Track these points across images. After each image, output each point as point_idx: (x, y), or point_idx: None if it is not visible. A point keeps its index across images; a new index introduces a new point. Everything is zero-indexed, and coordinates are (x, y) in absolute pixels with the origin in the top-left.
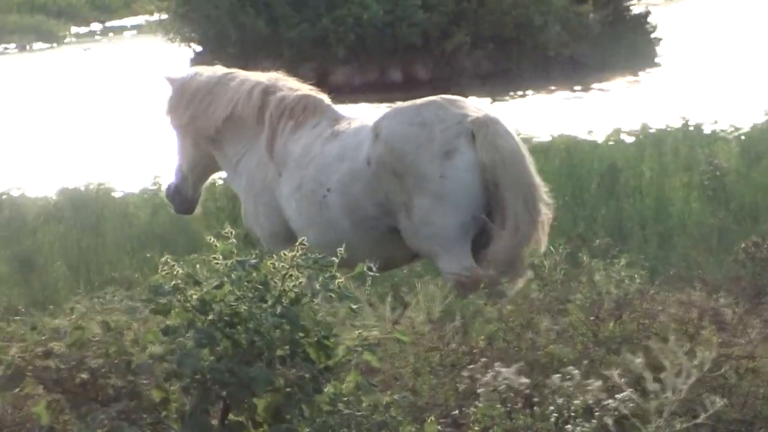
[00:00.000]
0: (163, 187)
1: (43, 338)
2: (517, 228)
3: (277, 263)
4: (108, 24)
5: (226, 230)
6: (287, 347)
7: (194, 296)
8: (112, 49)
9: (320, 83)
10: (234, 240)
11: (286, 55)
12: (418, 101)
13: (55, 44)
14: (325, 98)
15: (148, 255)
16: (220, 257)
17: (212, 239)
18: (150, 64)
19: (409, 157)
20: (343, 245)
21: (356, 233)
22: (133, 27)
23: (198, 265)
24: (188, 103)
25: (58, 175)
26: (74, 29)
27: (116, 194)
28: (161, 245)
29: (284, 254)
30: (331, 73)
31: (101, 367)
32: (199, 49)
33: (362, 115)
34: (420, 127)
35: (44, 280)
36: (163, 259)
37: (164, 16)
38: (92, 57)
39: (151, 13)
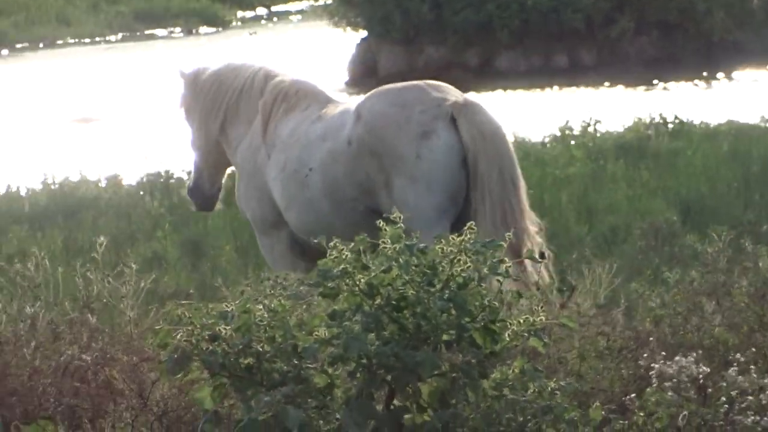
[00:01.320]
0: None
1: (210, 322)
2: (492, 200)
3: (445, 247)
4: (274, 9)
5: (395, 214)
6: (454, 332)
7: (362, 280)
8: (277, 34)
9: (484, 68)
10: (402, 224)
11: (450, 41)
12: (401, 84)
13: (220, 28)
14: (318, 85)
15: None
16: (389, 241)
17: (381, 223)
18: (315, 49)
19: (388, 138)
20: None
21: (336, 214)
22: (298, 12)
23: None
24: (198, 96)
25: None
26: (240, 14)
27: None
28: None
29: (453, 238)
30: (496, 59)
31: (267, 351)
32: (363, 34)
33: (352, 99)
34: (400, 108)
35: (213, 265)
36: (331, 243)
37: (329, 1)
38: (258, 41)
39: None
